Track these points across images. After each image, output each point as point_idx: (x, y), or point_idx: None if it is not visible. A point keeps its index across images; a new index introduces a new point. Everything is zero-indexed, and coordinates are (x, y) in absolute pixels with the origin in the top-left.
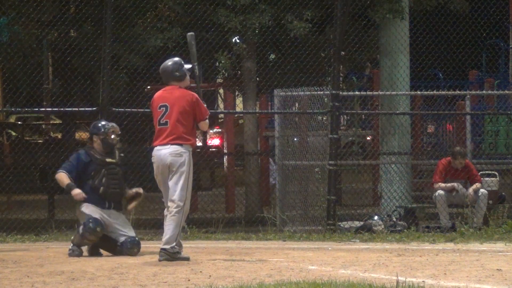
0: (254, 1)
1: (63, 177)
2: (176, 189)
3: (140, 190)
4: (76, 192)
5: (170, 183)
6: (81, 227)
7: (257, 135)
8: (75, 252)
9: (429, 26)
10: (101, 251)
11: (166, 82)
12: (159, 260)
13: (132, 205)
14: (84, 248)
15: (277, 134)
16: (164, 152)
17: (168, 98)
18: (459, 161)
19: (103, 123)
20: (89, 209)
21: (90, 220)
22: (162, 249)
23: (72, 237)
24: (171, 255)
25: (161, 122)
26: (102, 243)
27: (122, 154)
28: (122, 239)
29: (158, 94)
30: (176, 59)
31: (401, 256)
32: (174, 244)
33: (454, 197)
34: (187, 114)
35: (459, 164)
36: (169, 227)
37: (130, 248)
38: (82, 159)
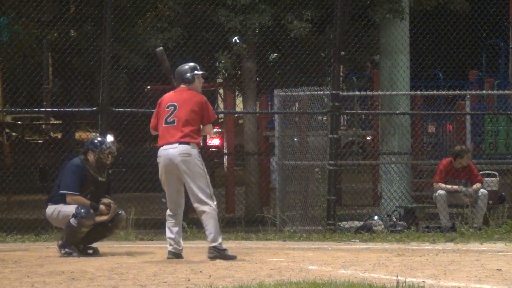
0: (254, 1)
1: (80, 199)
2: (198, 192)
3: (113, 205)
4: (102, 207)
5: (189, 188)
6: (71, 220)
7: (257, 135)
8: (74, 254)
9: (429, 26)
10: (96, 248)
11: (177, 84)
12: (209, 257)
13: (101, 219)
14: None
15: (277, 134)
16: (172, 152)
17: (178, 99)
18: (465, 159)
19: (100, 139)
20: (67, 207)
21: (79, 208)
22: (211, 247)
23: (60, 242)
24: (220, 252)
25: (168, 121)
26: (97, 231)
27: (110, 171)
28: (106, 221)
29: (168, 94)
30: (191, 63)
31: (401, 256)
32: (221, 240)
33: (455, 197)
34: (196, 114)
35: (464, 162)
36: (210, 225)
37: (119, 216)
38: (81, 171)
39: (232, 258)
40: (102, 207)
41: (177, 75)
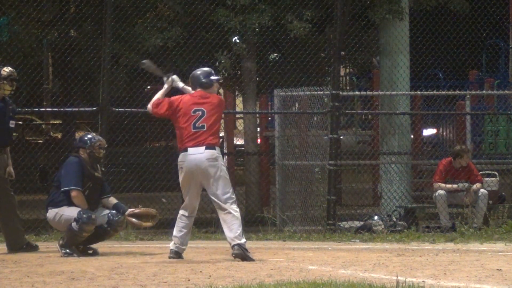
0: (254, 1)
1: (83, 199)
2: (223, 196)
3: (155, 213)
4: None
5: (212, 192)
6: (73, 224)
7: (257, 135)
8: (74, 254)
9: (429, 26)
10: (96, 248)
11: (193, 88)
12: (233, 254)
13: (147, 224)
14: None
15: (277, 134)
16: (200, 157)
17: (204, 103)
18: (464, 159)
19: (89, 136)
20: (69, 210)
21: (81, 213)
22: (236, 244)
23: (60, 242)
24: (244, 251)
25: (196, 125)
26: (97, 234)
27: (103, 168)
28: (105, 219)
29: (188, 97)
30: (206, 68)
31: (401, 256)
32: (245, 240)
33: (455, 197)
34: (220, 117)
35: (463, 162)
36: (235, 225)
37: (118, 220)
38: (81, 167)
39: (252, 259)
40: (144, 224)
41: (194, 80)
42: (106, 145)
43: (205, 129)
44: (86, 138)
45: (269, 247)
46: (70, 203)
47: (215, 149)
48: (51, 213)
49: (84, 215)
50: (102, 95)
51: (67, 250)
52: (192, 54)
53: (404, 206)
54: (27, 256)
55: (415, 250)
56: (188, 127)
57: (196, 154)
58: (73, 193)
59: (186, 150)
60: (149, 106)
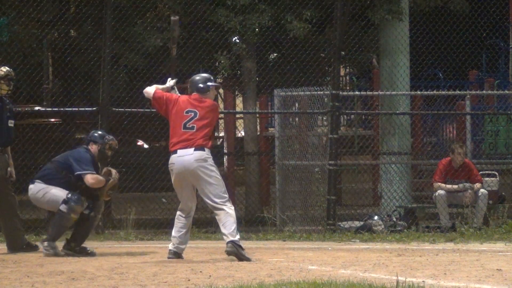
0: (254, 1)
1: (98, 176)
2: (215, 193)
3: (114, 173)
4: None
5: (204, 193)
6: (61, 206)
7: (257, 135)
8: (52, 251)
9: (429, 26)
10: (93, 249)
11: (190, 92)
12: (226, 251)
13: (110, 184)
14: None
15: (277, 134)
16: (188, 159)
17: (198, 106)
18: (458, 150)
19: (101, 133)
20: (56, 190)
21: (70, 194)
22: (230, 241)
23: (46, 236)
24: (238, 248)
25: (187, 126)
26: (80, 225)
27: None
28: (86, 211)
29: (184, 98)
30: (206, 74)
31: (401, 256)
32: (238, 237)
33: (455, 197)
34: (213, 120)
35: (460, 158)
36: (229, 222)
37: (98, 202)
38: (92, 158)
39: (247, 259)
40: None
41: (192, 84)
42: (117, 147)
43: (194, 130)
44: (97, 134)
45: (269, 247)
46: (63, 186)
47: (204, 150)
48: (37, 186)
49: (73, 196)
50: (102, 95)
51: (50, 243)
52: (192, 54)
53: (404, 206)
54: (27, 256)
55: (415, 250)
56: (178, 127)
57: (185, 156)
58: (88, 177)
59: (175, 152)
60: (150, 94)
